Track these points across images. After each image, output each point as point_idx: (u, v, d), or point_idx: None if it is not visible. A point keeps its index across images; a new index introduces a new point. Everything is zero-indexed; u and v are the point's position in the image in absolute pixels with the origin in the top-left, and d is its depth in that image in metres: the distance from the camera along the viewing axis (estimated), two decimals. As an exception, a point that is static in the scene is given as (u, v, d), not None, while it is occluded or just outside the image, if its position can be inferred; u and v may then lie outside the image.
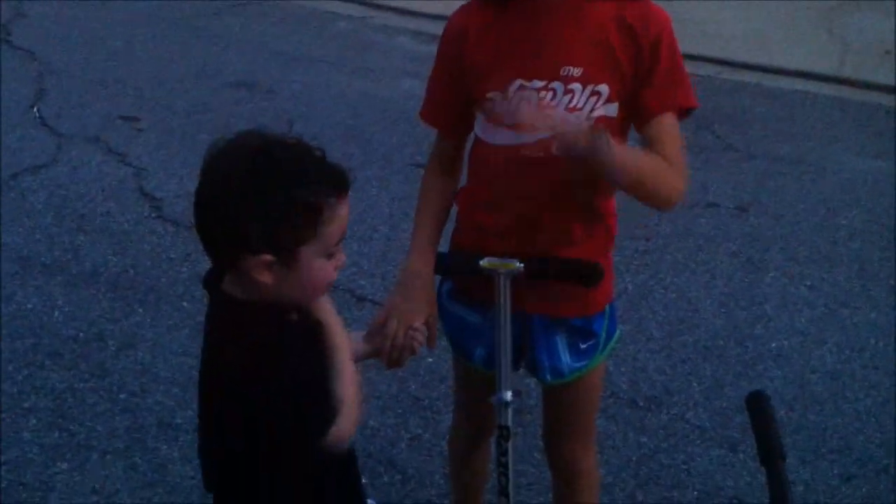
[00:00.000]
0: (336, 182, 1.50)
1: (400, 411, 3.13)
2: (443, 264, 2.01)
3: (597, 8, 1.80)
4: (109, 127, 5.13)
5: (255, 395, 1.46)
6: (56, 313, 3.55)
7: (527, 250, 1.90)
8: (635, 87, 1.81)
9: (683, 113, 1.85)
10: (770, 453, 1.44)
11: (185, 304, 3.62)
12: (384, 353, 1.90)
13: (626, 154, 1.74)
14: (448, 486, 2.67)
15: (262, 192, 1.41)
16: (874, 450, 3.04)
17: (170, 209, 4.30)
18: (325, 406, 1.52)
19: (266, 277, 1.46)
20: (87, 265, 3.87)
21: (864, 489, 2.90)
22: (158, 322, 3.52)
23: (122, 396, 3.14)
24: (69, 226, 4.16)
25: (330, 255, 1.51)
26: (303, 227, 1.45)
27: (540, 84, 1.79)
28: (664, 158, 1.79)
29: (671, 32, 1.82)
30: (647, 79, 1.80)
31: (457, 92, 1.90)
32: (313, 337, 1.58)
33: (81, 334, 3.44)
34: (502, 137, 1.85)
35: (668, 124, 1.82)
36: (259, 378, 1.46)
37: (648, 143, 1.82)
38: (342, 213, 1.50)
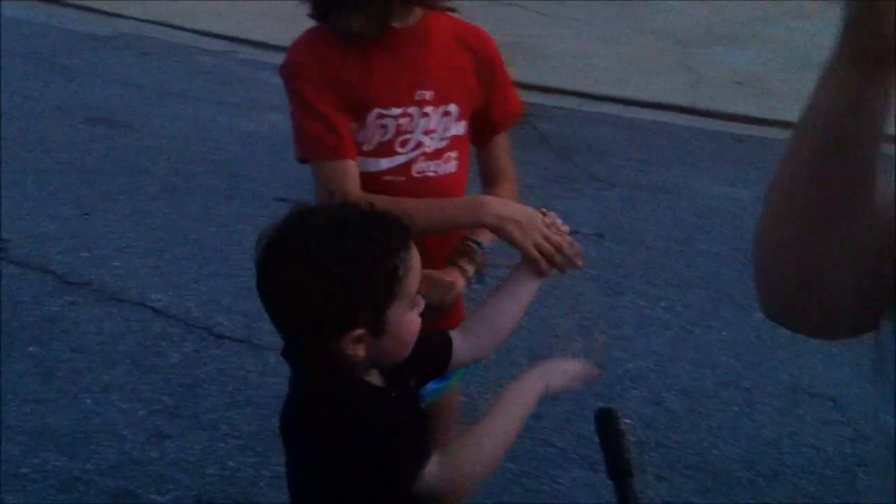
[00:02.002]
0: (401, 231, 1.44)
1: (260, 449, 3.05)
2: None
3: (441, 32, 1.88)
4: (-43, 166, 4.93)
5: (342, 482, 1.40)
6: None
7: None
8: (479, 105, 1.91)
9: (516, 119, 1.99)
10: (617, 468, 1.45)
11: (32, 348, 3.47)
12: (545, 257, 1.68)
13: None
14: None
15: (351, 271, 1.36)
16: (729, 463, 3.14)
17: (17, 251, 4.13)
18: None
19: (359, 351, 1.40)
20: (-71, 310, 3.68)
21: (720, 502, 2.98)
22: (5, 368, 3.36)
23: (-36, 446, 2.98)
24: (-90, 270, 3.95)
25: (412, 305, 1.45)
26: (386, 290, 1.40)
27: (398, 111, 1.83)
28: (505, 170, 1.97)
29: (498, 50, 1.95)
30: (490, 96, 1.91)
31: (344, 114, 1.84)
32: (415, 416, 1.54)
33: (-79, 383, 3.26)
34: (365, 165, 1.85)
35: (504, 137, 1.99)
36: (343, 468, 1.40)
37: (491, 158, 1.96)
38: (416, 261, 1.44)
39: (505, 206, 1.76)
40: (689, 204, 5.02)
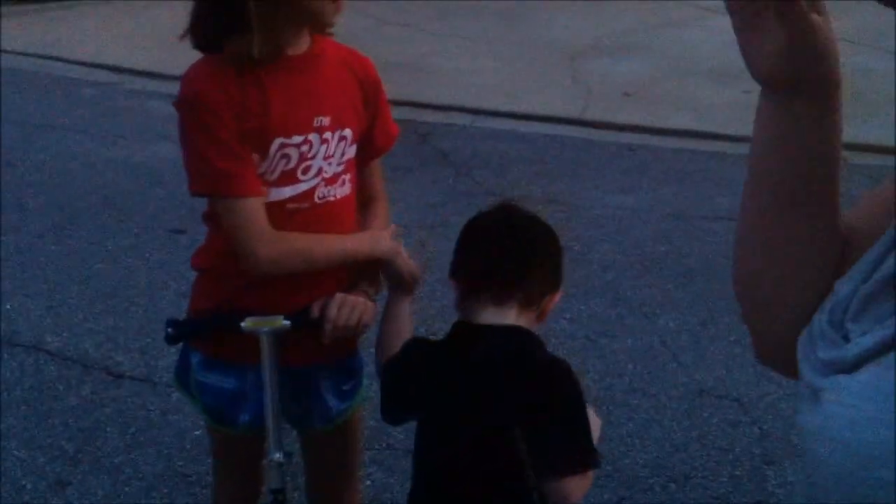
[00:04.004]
0: None
1: (166, 490, 2.96)
2: (197, 329, 1.93)
3: (329, 57, 1.89)
4: None
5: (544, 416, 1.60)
6: None
7: (288, 303, 1.85)
8: (364, 128, 1.93)
9: (392, 142, 2.04)
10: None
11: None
12: None
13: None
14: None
15: (557, 244, 1.74)
16: (640, 469, 3.17)
17: None
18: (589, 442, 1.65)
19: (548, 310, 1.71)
20: None
21: (629, 509, 3.02)
22: None
23: None
24: None
25: None
26: None
27: (299, 139, 1.81)
28: (380, 191, 2.06)
29: (377, 73, 2.01)
30: (374, 119, 1.95)
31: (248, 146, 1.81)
32: None
33: None
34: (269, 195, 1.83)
35: (379, 160, 2.04)
36: (550, 397, 1.62)
37: (368, 180, 2.02)
38: None
39: (388, 240, 1.95)
40: (583, 213, 5.09)
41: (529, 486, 1.59)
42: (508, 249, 1.68)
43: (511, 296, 1.66)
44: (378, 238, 1.94)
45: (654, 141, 6.19)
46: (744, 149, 1.02)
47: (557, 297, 1.73)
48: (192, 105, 1.80)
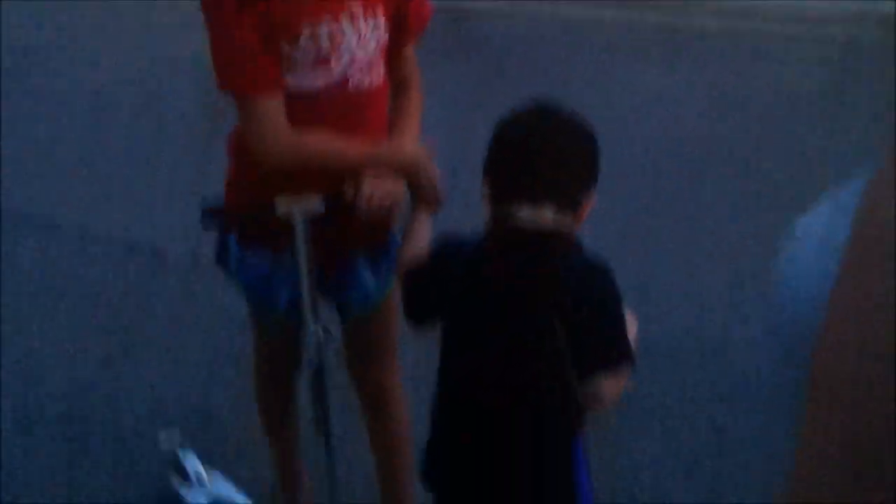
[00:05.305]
0: None
1: (212, 362, 3.05)
2: (232, 220, 1.94)
3: None
4: None
5: (586, 315, 1.57)
6: None
7: (323, 187, 1.85)
8: (396, 10, 1.87)
9: (426, 24, 1.97)
10: None
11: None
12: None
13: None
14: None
15: (594, 144, 1.63)
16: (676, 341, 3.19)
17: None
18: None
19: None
20: None
21: (668, 380, 3.05)
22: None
23: None
24: None
25: None
26: None
27: (330, 25, 1.77)
28: (412, 76, 1.98)
29: None
30: (407, 1, 1.89)
31: (266, 44, 1.76)
32: None
33: None
34: (301, 81, 1.80)
35: (412, 44, 1.97)
36: (593, 296, 1.59)
37: (400, 65, 1.95)
38: None
39: (419, 154, 1.90)
40: (623, 96, 5.02)
41: (570, 383, 1.58)
42: (543, 153, 1.61)
43: (546, 200, 1.60)
44: (401, 149, 1.90)
45: (693, 19, 6.05)
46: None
47: (594, 199, 1.65)
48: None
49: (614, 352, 1.61)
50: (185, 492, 2.40)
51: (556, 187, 1.61)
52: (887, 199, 0.60)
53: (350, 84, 1.83)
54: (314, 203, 1.83)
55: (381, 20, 1.84)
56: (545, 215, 1.60)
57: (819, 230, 0.72)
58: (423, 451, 1.77)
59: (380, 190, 1.82)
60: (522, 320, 1.61)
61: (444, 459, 1.75)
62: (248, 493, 2.47)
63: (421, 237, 1.84)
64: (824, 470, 0.60)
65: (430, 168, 1.88)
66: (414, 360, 2.68)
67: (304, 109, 1.80)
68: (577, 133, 1.64)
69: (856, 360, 0.58)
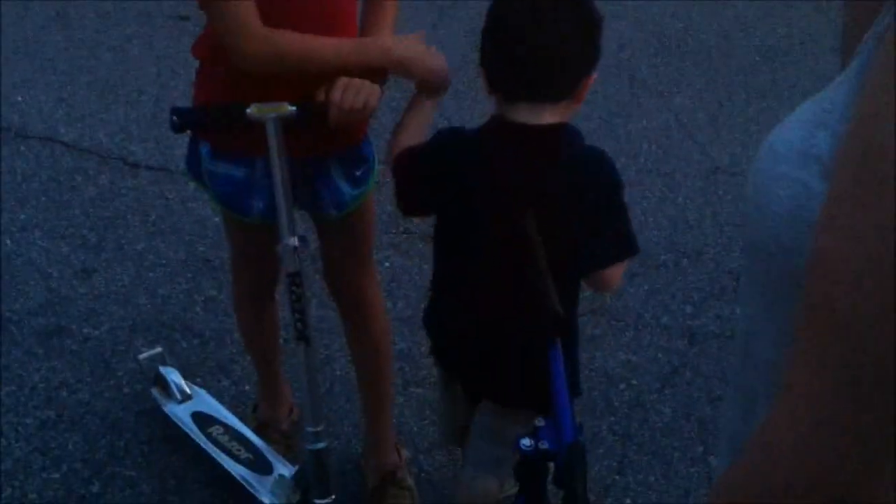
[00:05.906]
0: None
1: (190, 275, 3.04)
2: (202, 119, 1.90)
3: None
4: None
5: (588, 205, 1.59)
6: None
7: (292, 91, 1.81)
8: None
9: None
10: None
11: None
12: None
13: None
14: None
15: (593, 19, 1.57)
16: (653, 247, 3.22)
17: None
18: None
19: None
20: None
21: (646, 286, 3.08)
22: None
23: None
24: None
25: None
26: None
27: None
28: None
29: None
30: None
31: None
32: None
33: None
34: None
35: None
36: (598, 182, 1.61)
37: None
38: None
39: (405, 47, 1.84)
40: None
41: (547, 294, 1.55)
42: (537, 47, 1.54)
43: (545, 100, 1.57)
44: (383, 43, 1.85)
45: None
46: None
47: (593, 78, 1.61)
48: None
49: (619, 241, 1.63)
50: (168, 408, 2.41)
51: (553, 84, 1.56)
52: (884, 117, 0.57)
53: None
54: (286, 108, 1.79)
55: None
56: (543, 111, 1.58)
57: (797, 143, 0.70)
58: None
59: (352, 92, 1.78)
60: (518, 218, 1.56)
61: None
62: (231, 407, 2.49)
63: (419, 124, 1.82)
64: (823, 385, 0.58)
65: (427, 56, 1.84)
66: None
67: (277, 11, 1.75)
68: (570, 18, 1.55)
69: (858, 286, 0.56)
